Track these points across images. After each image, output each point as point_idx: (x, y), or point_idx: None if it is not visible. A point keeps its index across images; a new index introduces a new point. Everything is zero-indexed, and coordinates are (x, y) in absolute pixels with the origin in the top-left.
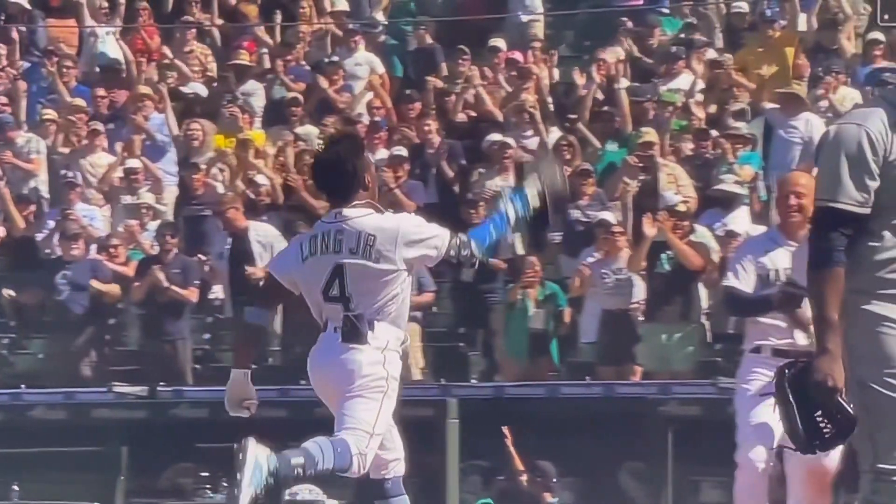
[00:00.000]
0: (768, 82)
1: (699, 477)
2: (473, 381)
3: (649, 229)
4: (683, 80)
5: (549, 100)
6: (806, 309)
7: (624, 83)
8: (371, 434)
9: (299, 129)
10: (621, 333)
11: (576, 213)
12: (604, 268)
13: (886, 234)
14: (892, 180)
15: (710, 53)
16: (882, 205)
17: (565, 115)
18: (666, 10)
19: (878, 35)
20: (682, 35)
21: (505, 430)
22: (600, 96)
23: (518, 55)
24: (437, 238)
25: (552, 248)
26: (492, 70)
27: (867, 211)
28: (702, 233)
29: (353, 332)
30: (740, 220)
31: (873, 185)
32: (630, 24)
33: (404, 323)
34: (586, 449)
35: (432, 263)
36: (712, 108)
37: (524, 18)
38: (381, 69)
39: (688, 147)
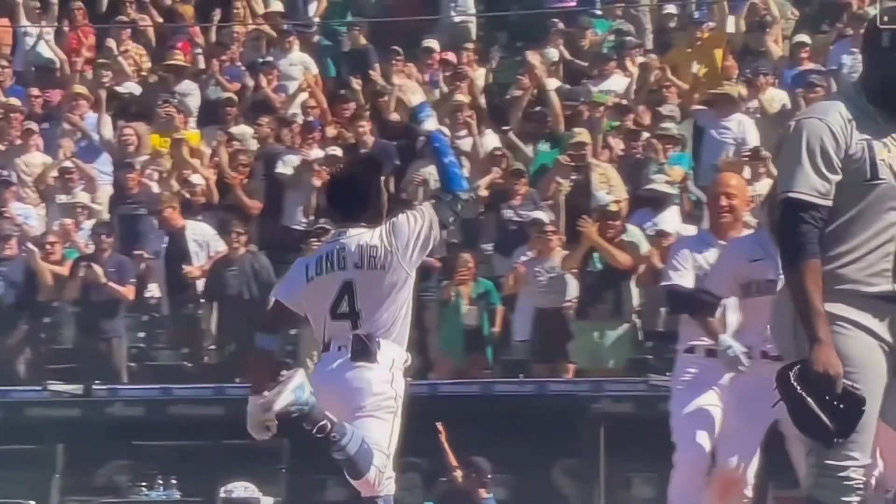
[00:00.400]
0: (699, 83)
1: (631, 473)
2: (408, 378)
3: (586, 235)
4: (615, 82)
5: (483, 100)
6: (718, 318)
7: (556, 84)
8: (387, 454)
9: (234, 129)
10: (554, 331)
11: (509, 213)
12: (537, 266)
13: (840, 228)
14: (851, 173)
15: (641, 56)
16: (838, 198)
17: (498, 115)
18: (598, 12)
19: (804, 38)
20: (614, 36)
21: (439, 426)
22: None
23: (451, 56)
24: (429, 223)
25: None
26: (425, 70)
27: (828, 202)
28: (633, 232)
29: (363, 351)
30: (671, 220)
31: (835, 178)
32: (562, 26)
33: (406, 343)
34: (520, 446)
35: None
36: (642, 109)
37: (457, 19)
38: (315, 69)
39: (619, 147)
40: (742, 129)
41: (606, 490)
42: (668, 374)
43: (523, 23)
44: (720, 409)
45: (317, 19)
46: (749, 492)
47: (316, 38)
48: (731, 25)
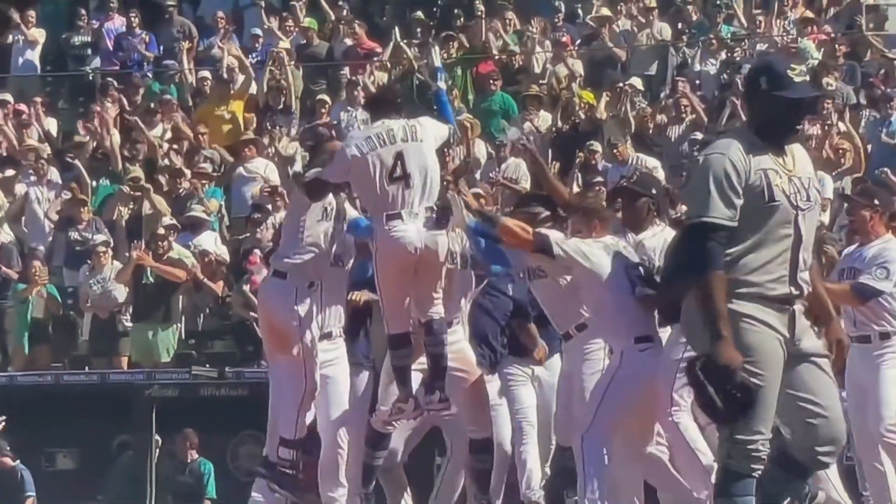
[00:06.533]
0: (226, 133)
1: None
2: None
3: (135, 256)
4: (159, 129)
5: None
6: None
7: (115, 131)
8: None
9: None
10: (109, 331)
11: (74, 235)
12: (91, 280)
13: (746, 244)
14: (752, 198)
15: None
16: (743, 220)
17: (65, 156)
18: (149, 75)
19: (325, 97)
20: (164, 94)
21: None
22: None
23: (23, 107)
24: (447, 130)
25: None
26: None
27: (734, 224)
28: (179, 250)
29: (441, 221)
30: (207, 241)
31: (738, 202)
32: (116, 84)
33: None
34: (87, 425)
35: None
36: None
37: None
38: None
39: (167, 182)
40: (267, 169)
41: (159, 460)
42: (207, 365)
43: (84, 81)
44: None
45: None
46: None
47: None
48: (255, 87)
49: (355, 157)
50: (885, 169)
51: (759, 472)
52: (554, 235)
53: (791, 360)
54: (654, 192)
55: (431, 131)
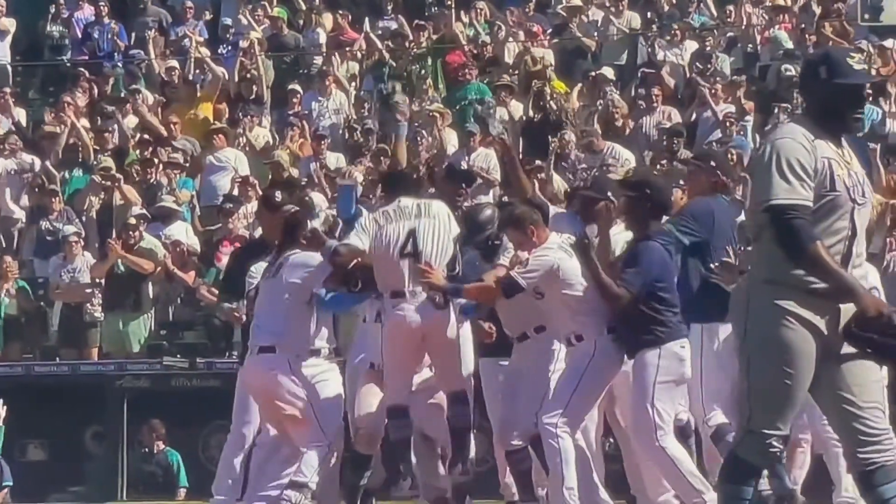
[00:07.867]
0: (199, 125)
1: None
2: None
3: (112, 252)
4: (132, 120)
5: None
6: None
7: (86, 123)
8: None
9: None
10: (79, 321)
11: (46, 225)
12: (62, 269)
13: None
14: (815, 185)
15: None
16: None
17: (35, 146)
18: (119, 65)
19: (296, 86)
20: (134, 85)
21: None
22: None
23: None
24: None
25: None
26: None
27: (810, 203)
28: (149, 240)
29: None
30: (178, 231)
31: (812, 183)
32: (87, 74)
33: None
34: (58, 416)
35: None
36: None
37: None
38: None
39: (138, 173)
40: (237, 160)
41: (129, 450)
42: (178, 356)
43: (54, 71)
44: None
45: None
46: None
47: None
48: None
49: (375, 228)
50: (875, 146)
51: (766, 466)
52: (516, 270)
53: (838, 358)
54: (609, 194)
55: (446, 213)
